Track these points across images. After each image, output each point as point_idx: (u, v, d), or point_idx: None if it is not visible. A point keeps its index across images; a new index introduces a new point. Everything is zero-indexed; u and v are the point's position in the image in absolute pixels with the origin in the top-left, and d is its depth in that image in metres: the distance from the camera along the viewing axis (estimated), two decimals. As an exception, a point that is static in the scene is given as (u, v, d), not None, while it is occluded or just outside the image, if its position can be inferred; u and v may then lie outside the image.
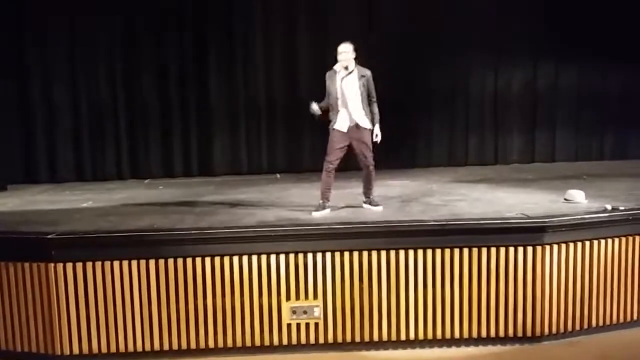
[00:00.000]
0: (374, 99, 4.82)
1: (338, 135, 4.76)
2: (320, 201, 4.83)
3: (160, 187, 7.03)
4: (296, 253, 4.10)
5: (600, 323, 4.38)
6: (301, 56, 8.06)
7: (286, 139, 8.13)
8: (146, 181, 7.66)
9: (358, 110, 4.74)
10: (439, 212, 4.74)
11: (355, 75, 4.73)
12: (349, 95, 4.72)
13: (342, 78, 4.72)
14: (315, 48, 8.01)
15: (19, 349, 4.15)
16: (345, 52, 4.67)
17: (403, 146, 7.99)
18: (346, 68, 4.71)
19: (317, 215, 4.73)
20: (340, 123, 4.75)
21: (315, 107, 4.77)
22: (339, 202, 5.29)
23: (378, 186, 5.18)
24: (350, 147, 4.82)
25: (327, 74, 4.80)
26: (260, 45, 8.02)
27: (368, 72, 4.79)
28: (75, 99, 7.72)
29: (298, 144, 8.12)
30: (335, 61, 4.78)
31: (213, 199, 5.84)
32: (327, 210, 4.80)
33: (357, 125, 4.75)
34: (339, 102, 4.73)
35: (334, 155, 4.76)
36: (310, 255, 4.10)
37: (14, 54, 7.49)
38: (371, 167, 4.87)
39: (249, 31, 7.99)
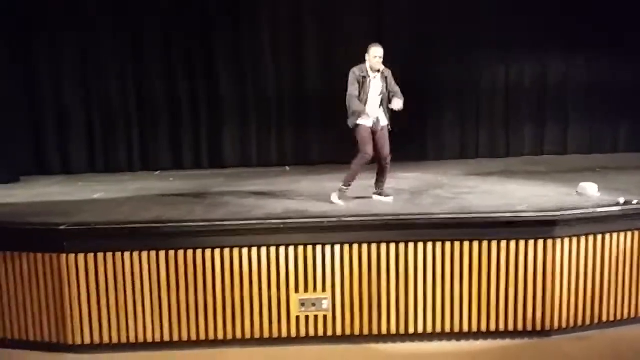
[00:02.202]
0: (399, 92, 4.85)
1: (366, 129, 4.83)
2: (344, 187, 4.88)
3: (171, 178, 7.07)
4: (305, 245, 4.10)
5: (612, 318, 4.35)
6: (310, 49, 8.02)
7: (295, 132, 8.11)
8: (157, 173, 7.70)
9: (380, 110, 4.85)
10: (449, 204, 4.71)
11: (379, 76, 4.80)
12: (375, 96, 4.81)
13: (371, 80, 4.78)
14: (323, 41, 7.98)
15: (31, 338, 4.21)
16: (381, 56, 4.74)
17: (414, 139, 7.95)
18: (377, 71, 4.77)
19: (338, 202, 4.79)
20: (366, 119, 4.82)
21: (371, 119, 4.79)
22: (348, 195, 5.29)
23: (388, 178, 5.17)
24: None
25: (356, 72, 4.78)
26: (269, 38, 7.99)
27: (388, 71, 4.85)
28: (86, 92, 7.76)
29: (307, 136, 8.10)
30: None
31: (223, 191, 5.85)
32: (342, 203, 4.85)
33: (378, 123, 4.86)
34: (366, 102, 4.78)
35: (370, 146, 4.81)
36: (319, 248, 4.10)
37: (26, 48, 7.53)
38: (389, 161, 4.95)
39: (257, 24, 7.95)
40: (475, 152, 8.44)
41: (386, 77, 4.81)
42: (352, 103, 4.78)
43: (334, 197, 4.86)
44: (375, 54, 4.72)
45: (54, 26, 7.60)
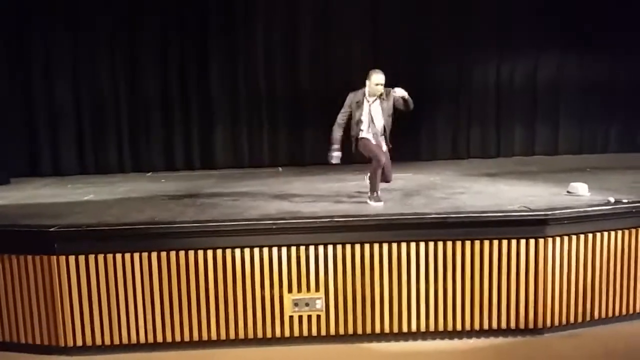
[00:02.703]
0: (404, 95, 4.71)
1: (370, 140, 4.80)
2: (375, 193, 4.83)
3: (162, 180, 7.04)
4: (298, 246, 4.10)
5: (603, 316, 4.38)
6: (303, 48, 8.03)
7: (288, 132, 8.12)
8: (148, 174, 7.67)
9: (381, 133, 4.82)
10: (441, 205, 4.73)
11: (378, 101, 4.76)
12: (375, 120, 4.77)
13: (370, 104, 4.76)
14: (317, 42, 7.99)
15: (22, 340, 4.17)
16: (382, 83, 4.66)
17: (406, 140, 7.96)
18: (379, 96, 4.72)
19: (377, 204, 4.74)
20: (368, 136, 4.81)
21: (337, 156, 4.79)
22: (342, 195, 5.29)
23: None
24: None
25: (353, 97, 4.75)
26: (262, 38, 7.99)
27: (392, 91, 4.71)
28: (77, 93, 7.73)
29: (300, 137, 8.11)
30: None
31: (215, 192, 5.84)
32: (381, 202, 4.83)
33: (380, 145, 4.84)
34: (365, 125, 4.78)
35: (380, 152, 4.75)
36: (312, 248, 4.10)
37: (18, 49, 7.49)
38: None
39: (250, 23, 7.96)
40: (467, 153, 8.49)
41: (386, 97, 4.69)
42: (333, 131, 4.78)
43: (370, 203, 4.78)
44: (376, 80, 4.64)
45: (46, 27, 7.56)
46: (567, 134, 8.66)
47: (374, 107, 4.75)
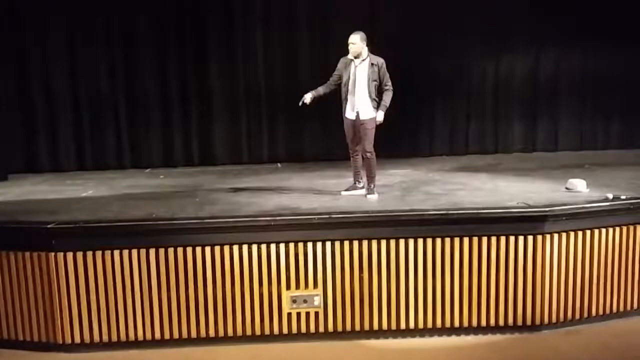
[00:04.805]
0: (387, 87, 4.90)
1: (347, 123, 5.01)
2: (355, 182, 5.20)
3: (161, 176, 7.03)
4: (296, 242, 4.10)
5: (601, 312, 4.39)
6: (301, 44, 8.00)
7: (287, 128, 8.10)
8: (147, 170, 7.66)
9: (363, 100, 4.87)
10: (439, 201, 4.73)
11: (366, 64, 4.85)
12: (358, 84, 4.86)
13: (356, 66, 4.86)
14: (315, 36, 7.96)
15: (20, 337, 4.17)
16: (353, 43, 4.83)
17: (404, 135, 7.97)
18: (357, 57, 4.84)
19: (346, 193, 5.15)
20: (348, 111, 4.96)
21: (307, 98, 4.96)
22: (340, 191, 5.29)
23: (379, 175, 5.17)
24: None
25: (342, 59, 4.96)
26: (260, 33, 7.96)
27: (381, 60, 4.89)
28: (75, 88, 7.69)
29: (299, 133, 8.09)
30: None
31: (214, 188, 5.84)
32: (360, 191, 5.14)
33: (359, 114, 4.87)
34: (349, 90, 4.89)
35: (349, 139, 5.06)
36: (310, 245, 4.10)
37: (14, 44, 7.45)
38: (369, 155, 4.95)
39: (249, 19, 7.92)
40: (465, 149, 8.47)
41: (375, 65, 4.82)
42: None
43: (370, 196, 5.01)
44: (349, 40, 4.83)
45: (43, 24, 7.52)
46: (567, 131, 8.64)
47: (359, 70, 4.85)
